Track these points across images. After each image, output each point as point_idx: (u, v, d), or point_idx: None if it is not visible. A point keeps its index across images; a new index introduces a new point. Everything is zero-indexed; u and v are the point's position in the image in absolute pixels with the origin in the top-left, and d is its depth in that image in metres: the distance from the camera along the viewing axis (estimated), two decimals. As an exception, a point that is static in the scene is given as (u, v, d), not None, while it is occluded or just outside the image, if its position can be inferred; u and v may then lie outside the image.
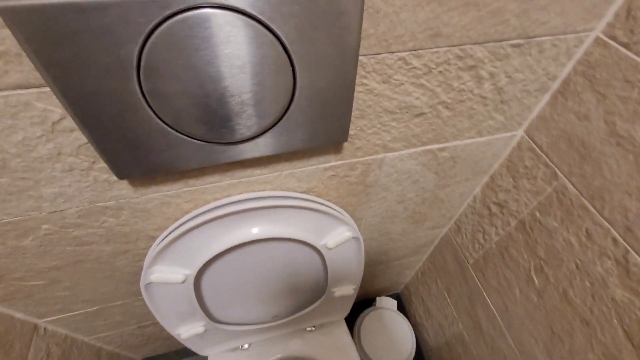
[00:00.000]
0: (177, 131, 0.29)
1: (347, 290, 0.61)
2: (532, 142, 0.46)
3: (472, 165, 0.52)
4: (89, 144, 0.30)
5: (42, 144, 0.29)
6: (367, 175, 0.47)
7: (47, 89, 0.25)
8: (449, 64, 0.34)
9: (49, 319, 0.57)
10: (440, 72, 0.34)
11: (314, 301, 0.64)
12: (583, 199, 0.41)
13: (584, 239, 0.42)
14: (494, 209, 0.57)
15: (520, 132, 0.47)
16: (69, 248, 0.42)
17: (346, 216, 0.48)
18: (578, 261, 0.44)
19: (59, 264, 0.44)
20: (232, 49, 0.24)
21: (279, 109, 0.30)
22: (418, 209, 0.60)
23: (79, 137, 0.29)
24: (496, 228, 0.58)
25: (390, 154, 0.44)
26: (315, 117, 0.32)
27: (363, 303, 1.12)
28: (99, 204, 0.37)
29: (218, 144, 0.31)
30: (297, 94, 0.29)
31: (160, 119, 0.27)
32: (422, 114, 0.39)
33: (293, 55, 0.26)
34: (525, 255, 0.53)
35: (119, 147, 0.29)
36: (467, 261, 0.69)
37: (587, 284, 0.43)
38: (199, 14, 0.22)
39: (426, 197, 0.57)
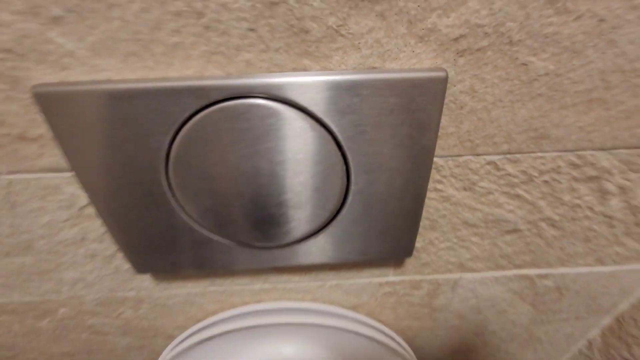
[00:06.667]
0: (205, 230, 0.24)
1: None
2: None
3: (586, 300, 0.38)
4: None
5: (68, 228, 0.26)
6: (434, 296, 0.36)
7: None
8: (558, 172, 0.25)
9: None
10: (545, 181, 0.26)
11: None
12: None
13: None
14: (626, 368, 0.39)
15: (664, 266, 0.34)
16: (83, 335, 0.38)
17: (407, 350, 0.37)
18: None
19: (72, 351, 0.40)
20: (272, 143, 0.20)
21: (325, 214, 0.24)
22: (504, 346, 0.45)
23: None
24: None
25: (468, 275, 0.34)
26: (372, 226, 0.25)
27: None
28: (118, 294, 0.33)
29: (250, 247, 0.26)
30: (349, 198, 0.23)
31: (187, 215, 0.23)
32: (517, 230, 0.30)
33: (348, 155, 0.21)
34: None
35: (140, 241, 0.25)
36: None
37: None
38: (237, 105, 0.19)
39: (517, 334, 0.43)
